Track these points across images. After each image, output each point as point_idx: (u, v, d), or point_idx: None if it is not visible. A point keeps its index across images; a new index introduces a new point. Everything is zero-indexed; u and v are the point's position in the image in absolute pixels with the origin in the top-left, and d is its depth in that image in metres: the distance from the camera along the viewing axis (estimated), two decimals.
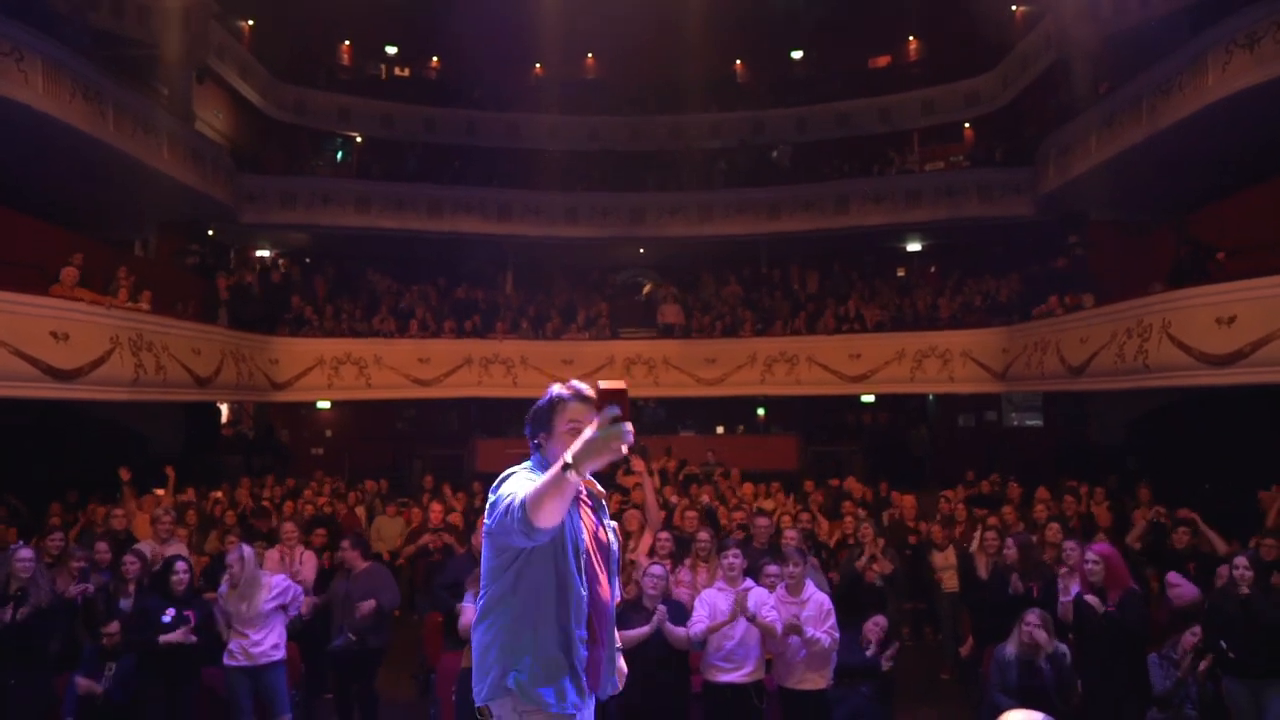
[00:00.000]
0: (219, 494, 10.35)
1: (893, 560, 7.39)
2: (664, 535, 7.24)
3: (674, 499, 9.31)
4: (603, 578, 2.67)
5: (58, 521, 8.14)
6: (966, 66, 18.69)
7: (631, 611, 5.24)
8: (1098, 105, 13.87)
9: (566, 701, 2.52)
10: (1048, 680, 5.28)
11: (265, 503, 9.96)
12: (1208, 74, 10.94)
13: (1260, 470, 8.37)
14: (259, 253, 19.15)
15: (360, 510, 10.63)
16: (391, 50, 21.28)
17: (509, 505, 2.39)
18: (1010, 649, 5.41)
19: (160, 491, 9.38)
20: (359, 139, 20.22)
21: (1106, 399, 13.01)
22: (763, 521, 7.00)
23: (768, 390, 16.42)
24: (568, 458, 2.23)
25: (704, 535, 6.46)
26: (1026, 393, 16.01)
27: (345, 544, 6.21)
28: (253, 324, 14.32)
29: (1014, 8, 17.65)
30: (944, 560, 7.87)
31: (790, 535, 6.18)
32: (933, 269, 19.61)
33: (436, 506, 8.49)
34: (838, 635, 5.24)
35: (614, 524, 2.81)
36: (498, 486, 2.52)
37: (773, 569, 5.45)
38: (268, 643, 5.54)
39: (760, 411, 18.46)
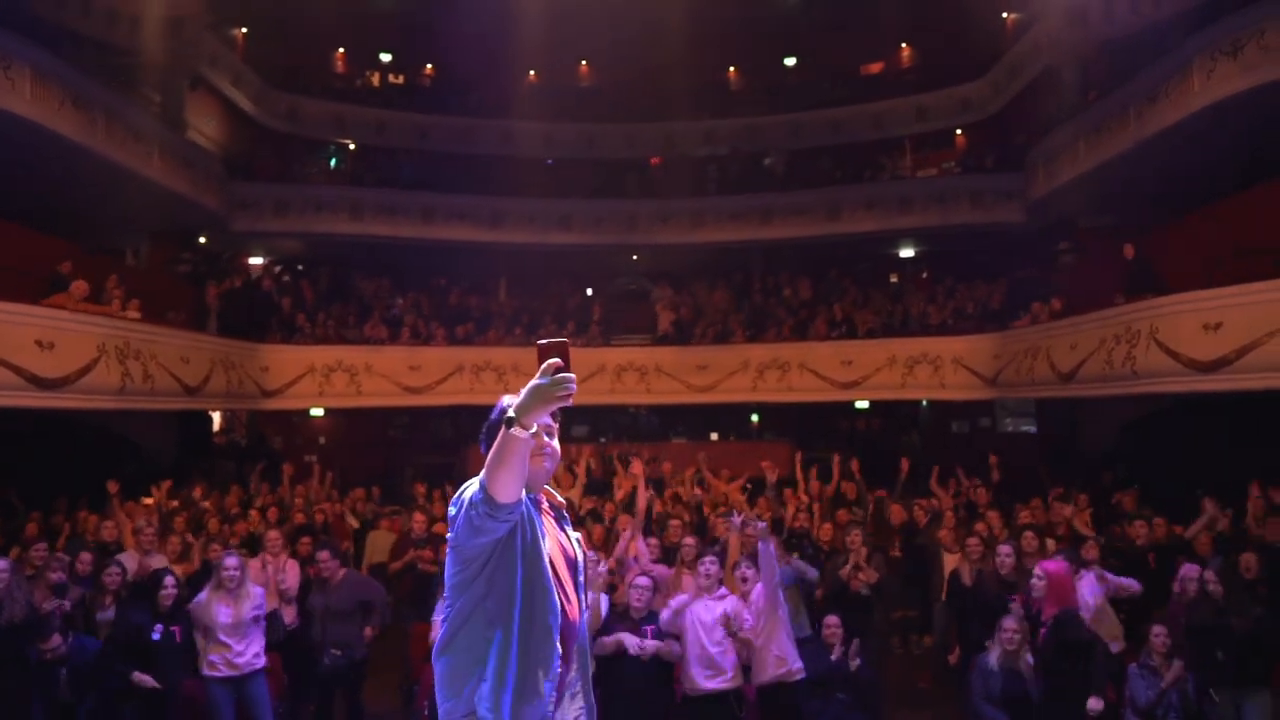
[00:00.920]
0: (208, 503, 10.31)
1: (879, 568, 7.37)
2: (652, 541, 7.31)
3: (659, 508, 9.29)
4: (570, 593, 2.55)
5: (35, 530, 8.11)
6: (959, 73, 18.72)
7: (618, 622, 5.26)
8: (1086, 112, 13.92)
9: (538, 716, 2.38)
10: (1030, 689, 5.29)
11: (253, 511, 9.91)
12: (1193, 80, 11.00)
13: (1250, 476, 8.34)
14: (252, 260, 19.14)
15: (352, 519, 10.61)
16: (386, 58, 21.30)
17: (470, 498, 2.30)
18: (993, 658, 5.41)
19: (148, 501, 9.35)
20: (352, 146, 20.23)
21: (1098, 405, 13.01)
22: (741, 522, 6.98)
23: (759, 397, 16.40)
24: (511, 412, 2.18)
25: (690, 541, 6.50)
26: (1020, 399, 16.02)
27: (323, 556, 6.16)
28: (243, 331, 14.30)
29: (1005, 15, 17.71)
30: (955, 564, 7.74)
31: (751, 529, 6.17)
32: (925, 275, 19.63)
33: (419, 517, 8.43)
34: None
35: (578, 535, 2.73)
36: (457, 499, 2.41)
37: (749, 573, 5.49)
38: (250, 652, 5.51)
39: (754, 418, 18.45)
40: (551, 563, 2.48)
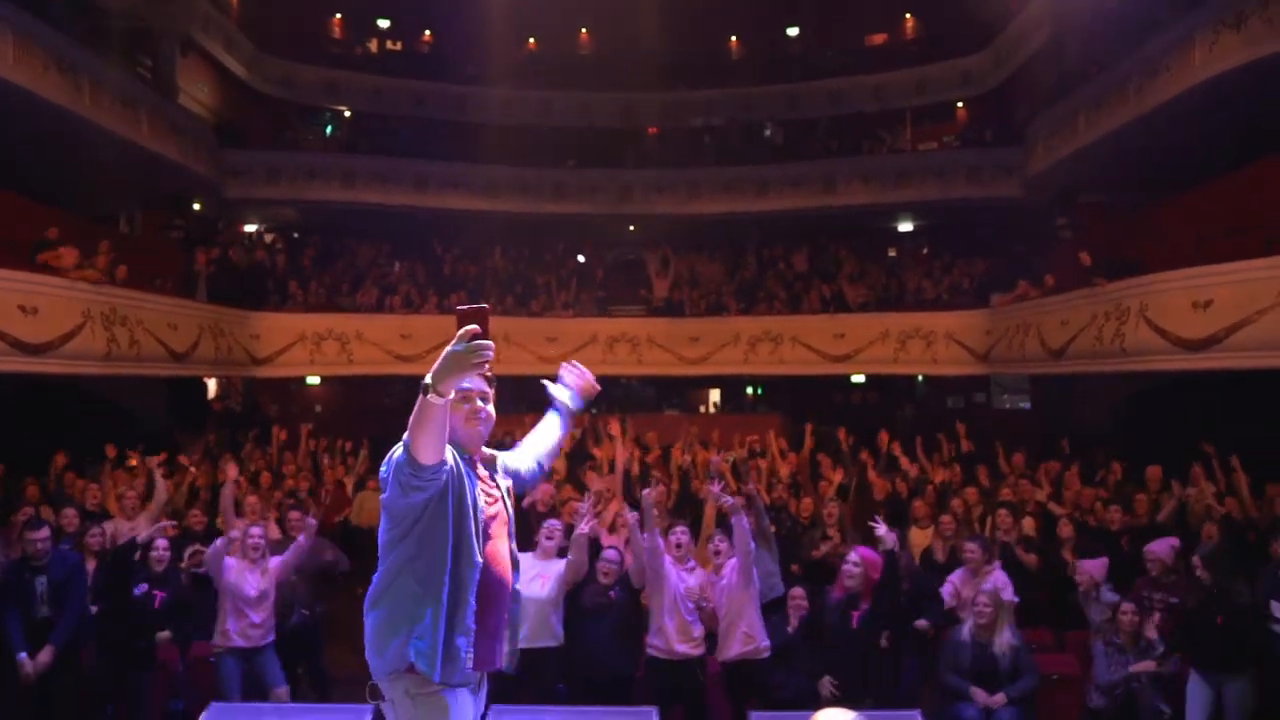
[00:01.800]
0: (195, 470, 10.30)
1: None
2: (630, 515, 7.28)
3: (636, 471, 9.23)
4: (501, 546, 2.63)
5: (35, 493, 8.09)
6: (961, 45, 18.44)
7: (588, 589, 5.30)
8: (1086, 86, 13.73)
9: (460, 674, 2.47)
10: (1000, 663, 5.30)
11: (242, 478, 9.90)
12: (1195, 54, 10.83)
13: (1244, 453, 8.24)
14: (247, 227, 19.08)
15: (349, 481, 10.64)
16: (384, 24, 21.06)
17: (396, 460, 2.38)
18: (965, 631, 5.42)
19: (133, 461, 9.36)
20: (347, 113, 20.07)
21: (1091, 382, 12.97)
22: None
23: (751, 370, 16.41)
24: (427, 378, 2.22)
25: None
26: (1015, 375, 15.99)
27: (294, 516, 6.19)
28: (235, 298, 14.27)
29: None
30: (922, 539, 7.62)
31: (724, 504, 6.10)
32: (925, 250, 19.51)
33: None
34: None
35: (508, 484, 2.77)
36: (387, 460, 2.46)
37: (722, 545, 5.46)
38: (268, 624, 5.49)
39: (749, 390, 18.45)
40: (487, 523, 2.56)
